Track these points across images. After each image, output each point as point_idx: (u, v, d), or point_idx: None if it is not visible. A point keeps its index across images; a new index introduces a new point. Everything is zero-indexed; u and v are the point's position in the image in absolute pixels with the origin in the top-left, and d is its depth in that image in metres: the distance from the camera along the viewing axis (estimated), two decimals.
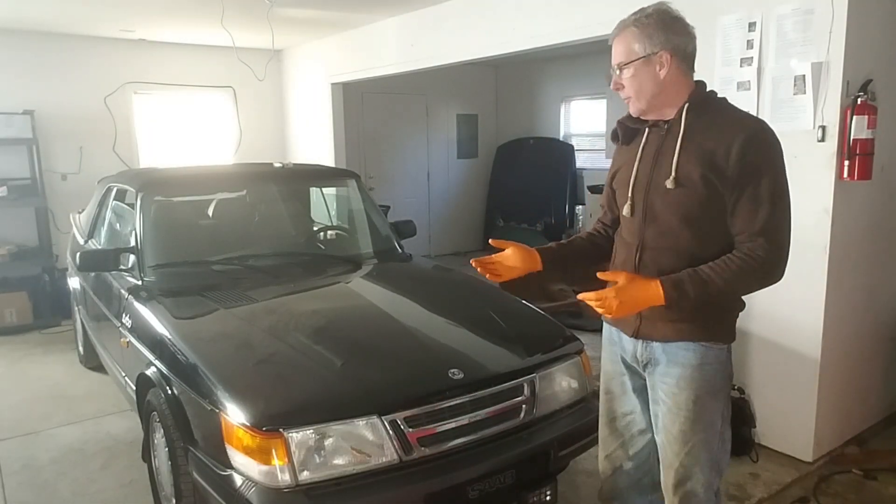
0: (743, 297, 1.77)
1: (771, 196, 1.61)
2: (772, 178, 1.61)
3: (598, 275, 1.73)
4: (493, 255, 1.93)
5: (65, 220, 5.40)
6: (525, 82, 8.38)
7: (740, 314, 1.79)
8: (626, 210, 1.79)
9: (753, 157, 1.60)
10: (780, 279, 1.66)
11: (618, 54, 1.73)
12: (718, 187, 1.62)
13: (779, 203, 1.62)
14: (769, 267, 1.62)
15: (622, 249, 1.85)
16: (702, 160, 1.64)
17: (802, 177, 2.86)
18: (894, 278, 3.32)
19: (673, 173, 1.67)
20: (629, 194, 1.78)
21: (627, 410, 1.93)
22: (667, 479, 1.82)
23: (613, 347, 1.93)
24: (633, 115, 1.78)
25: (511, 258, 1.91)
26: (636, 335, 1.81)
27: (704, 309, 1.69)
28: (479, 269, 1.91)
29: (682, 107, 1.70)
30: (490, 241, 1.99)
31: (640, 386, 1.89)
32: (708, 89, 1.75)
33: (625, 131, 1.85)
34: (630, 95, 1.73)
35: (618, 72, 1.73)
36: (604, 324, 1.96)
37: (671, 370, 1.76)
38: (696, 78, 1.75)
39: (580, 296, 1.72)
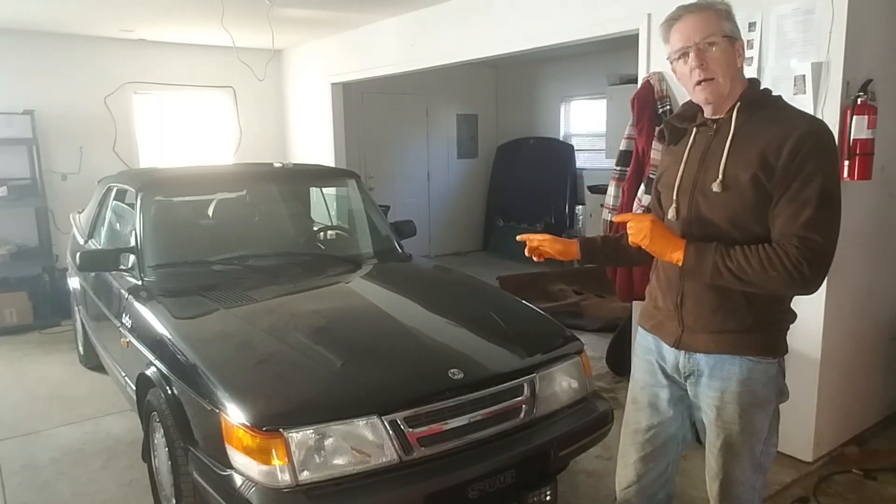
0: (793, 308, 1.68)
1: (819, 200, 1.48)
2: (822, 180, 1.49)
3: (615, 218, 1.72)
4: (539, 237, 1.92)
5: (65, 220, 5.40)
6: (525, 82, 8.38)
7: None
8: (670, 213, 1.71)
9: (806, 156, 1.49)
10: (810, 291, 1.54)
11: (707, 27, 1.59)
12: (767, 187, 1.53)
13: (825, 209, 1.50)
14: (797, 269, 1.48)
15: None
16: (752, 161, 1.54)
17: None
18: (894, 278, 3.32)
19: (720, 176, 1.58)
20: (674, 197, 1.70)
21: (653, 423, 1.86)
22: (712, 487, 1.79)
23: (649, 356, 1.85)
24: (707, 102, 1.64)
25: (550, 246, 1.90)
26: (678, 345, 1.73)
27: (749, 321, 1.63)
28: (527, 250, 1.93)
29: (734, 105, 1.62)
30: (518, 237, 1.96)
31: (679, 397, 1.82)
32: (762, 87, 1.68)
33: (672, 131, 1.77)
34: (713, 75, 1.59)
35: (707, 47, 1.59)
36: (638, 330, 1.92)
37: (714, 383, 1.69)
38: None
39: (615, 217, 1.72)
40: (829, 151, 1.53)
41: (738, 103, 1.62)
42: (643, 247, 1.65)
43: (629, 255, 1.91)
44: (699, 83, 1.61)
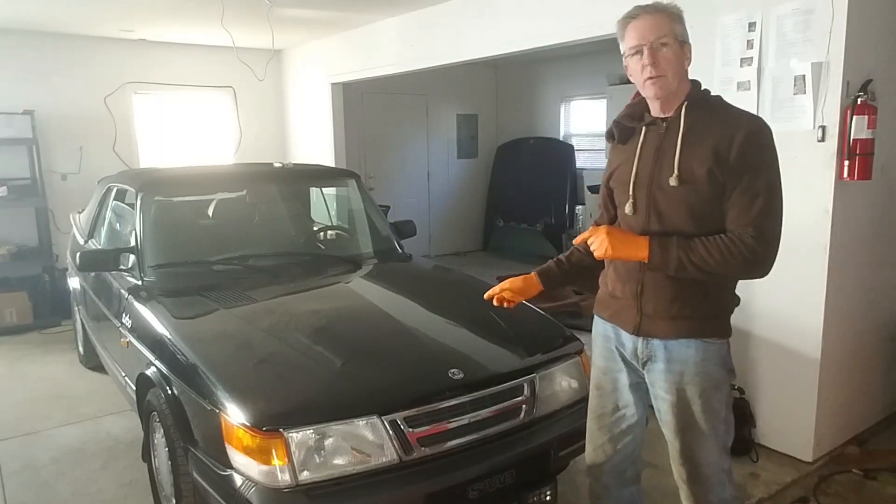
0: (739, 294, 1.79)
1: (767, 191, 1.64)
2: (769, 173, 1.65)
3: (575, 241, 1.84)
4: (498, 287, 2.09)
5: (65, 220, 5.40)
6: (525, 82, 8.38)
7: (737, 312, 1.82)
8: (627, 208, 1.78)
9: (755, 151, 1.64)
10: (765, 274, 1.67)
11: (661, 28, 1.68)
12: (720, 180, 1.65)
13: (774, 199, 1.65)
14: (754, 256, 1.62)
15: None
16: (706, 156, 1.66)
17: (802, 177, 2.86)
18: (894, 278, 3.32)
19: (676, 171, 1.68)
20: (630, 192, 1.78)
21: (619, 406, 1.95)
22: (679, 471, 1.85)
23: (608, 343, 1.94)
24: (656, 97, 1.74)
25: (511, 289, 2.06)
26: (637, 332, 1.82)
27: (704, 307, 1.75)
28: (494, 302, 2.09)
29: (682, 104, 1.73)
30: (485, 296, 2.12)
31: (636, 383, 1.91)
32: (702, 88, 1.78)
33: (621, 130, 1.86)
34: (663, 73, 1.69)
35: (660, 46, 1.68)
36: (596, 319, 1.99)
37: (674, 367, 1.78)
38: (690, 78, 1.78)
39: (575, 240, 1.84)
40: (772, 146, 1.69)
41: (686, 102, 1.73)
42: (608, 257, 1.75)
43: (586, 266, 2.02)
44: (650, 79, 1.70)
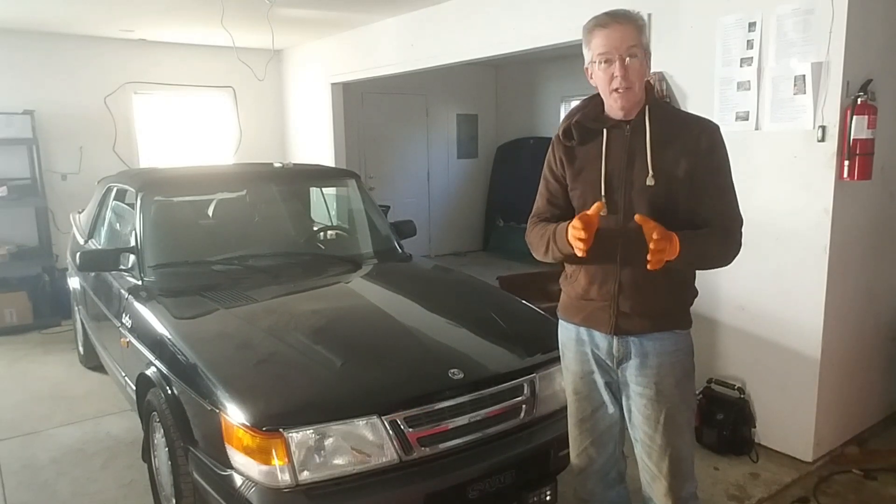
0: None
1: (731, 184, 1.82)
2: (728, 169, 1.82)
3: (637, 217, 1.68)
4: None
5: (65, 220, 5.40)
6: (525, 82, 8.38)
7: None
8: (602, 209, 1.81)
9: (718, 152, 1.80)
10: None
11: (631, 38, 1.73)
12: (690, 179, 1.77)
13: (734, 189, 1.83)
14: (738, 244, 1.81)
15: (596, 245, 1.81)
16: (676, 157, 1.76)
17: (802, 177, 2.86)
18: (894, 278, 3.32)
19: (651, 171, 1.76)
20: (603, 193, 1.81)
21: (596, 408, 1.98)
22: (658, 467, 1.87)
23: (582, 347, 1.95)
24: (622, 109, 1.78)
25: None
26: (613, 331, 1.85)
27: (674, 300, 1.86)
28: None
29: (644, 108, 1.80)
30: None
31: (608, 382, 1.94)
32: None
33: (582, 131, 1.87)
34: (631, 85, 1.74)
35: (629, 58, 1.72)
36: (562, 325, 2.01)
37: (650, 361, 1.83)
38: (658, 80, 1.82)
39: (654, 244, 1.62)
40: (724, 143, 1.83)
41: (647, 106, 1.80)
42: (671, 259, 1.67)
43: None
44: (617, 91, 1.74)
